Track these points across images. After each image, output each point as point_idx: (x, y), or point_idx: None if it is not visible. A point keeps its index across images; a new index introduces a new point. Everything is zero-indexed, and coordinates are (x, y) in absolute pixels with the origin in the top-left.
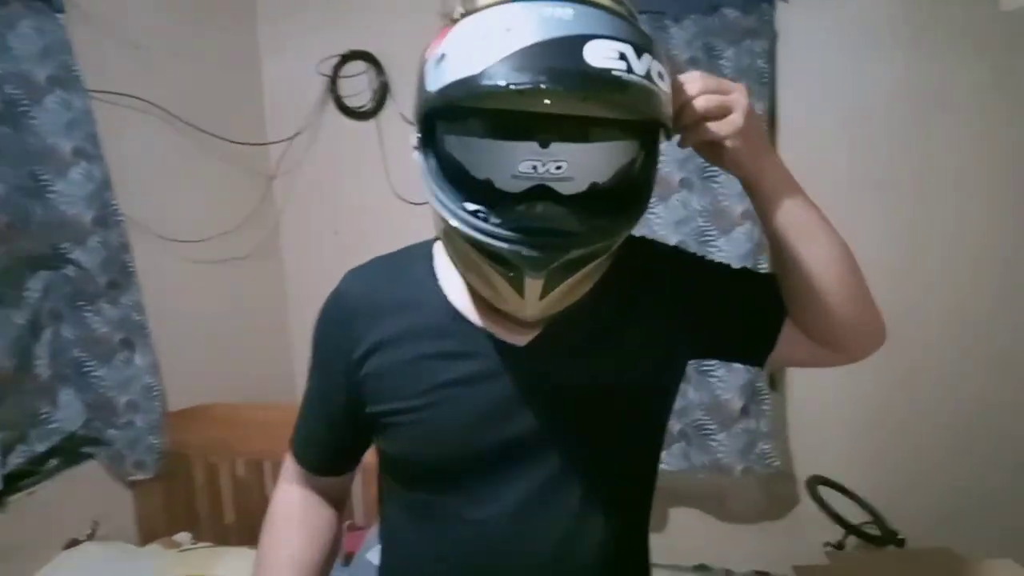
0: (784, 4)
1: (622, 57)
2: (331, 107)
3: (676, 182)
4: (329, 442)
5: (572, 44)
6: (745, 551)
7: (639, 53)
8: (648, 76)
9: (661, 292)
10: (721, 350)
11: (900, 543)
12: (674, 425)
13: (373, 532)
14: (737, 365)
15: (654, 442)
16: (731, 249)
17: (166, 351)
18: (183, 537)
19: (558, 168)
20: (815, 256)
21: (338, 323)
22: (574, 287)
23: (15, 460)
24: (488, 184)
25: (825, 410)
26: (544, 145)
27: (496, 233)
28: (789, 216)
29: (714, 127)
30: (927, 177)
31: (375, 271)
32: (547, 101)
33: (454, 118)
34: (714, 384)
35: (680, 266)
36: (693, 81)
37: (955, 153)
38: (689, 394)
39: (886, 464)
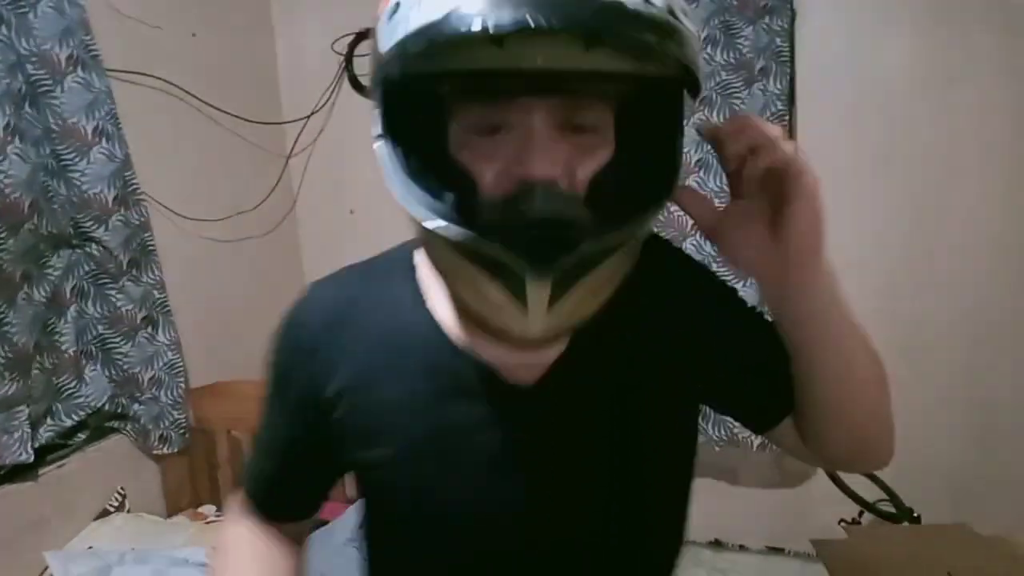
0: None
1: None
2: (346, 86)
3: (692, 163)
4: (288, 487)
5: None
6: (759, 527)
7: None
8: (671, 11)
9: (685, 323)
10: (719, 405)
11: (916, 520)
12: None
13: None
14: None
15: (684, 492)
16: None
17: (187, 329)
18: (208, 509)
19: None
20: (845, 383)
21: (303, 351)
22: (590, 295)
23: (45, 434)
24: (421, 161)
25: None
26: None
27: (485, 232)
28: (829, 341)
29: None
30: (945, 155)
31: (347, 286)
32: (538, 52)
33: (419, 87)
34: None
35: (711, 297)
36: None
37: (974, 130)
38: None
39: (900, 441)
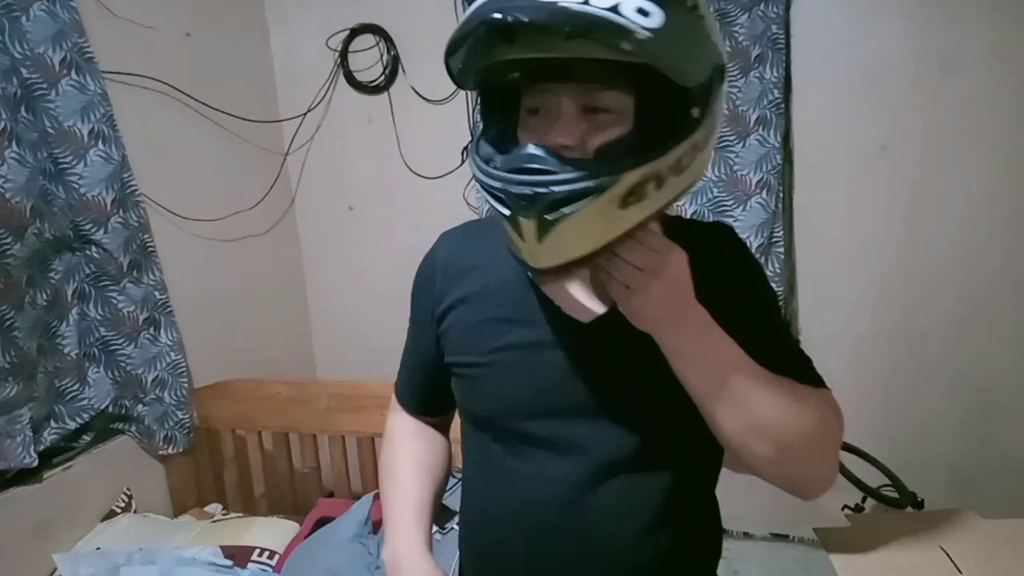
0: None
1: None
2: (342, 82)
3: None
4: (424, 385)
5: None
6: (763, 514)
7: None
8: (614, 9)
9: (714, 295)
10: None
11: (919, 505)
12: None
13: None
14: None
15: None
16: (747, 219)
17: (189, 328)
18: (214, 508)
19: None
20: (725, 426)
21: (426, 280)
22: (577, 232)
23: (49, 437)
24: (499, 132)
25: (840, 374)
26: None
27: (492, 173)
28: (693, 387)
29: (615, 289)
30: (937, 140)
31: (464, 234)
32: (536, 45)
33: (488, 79)
34: None
35: (743, 282)
36: (629, 249)
37: (965, 115)
38: None
39: (901, 428)
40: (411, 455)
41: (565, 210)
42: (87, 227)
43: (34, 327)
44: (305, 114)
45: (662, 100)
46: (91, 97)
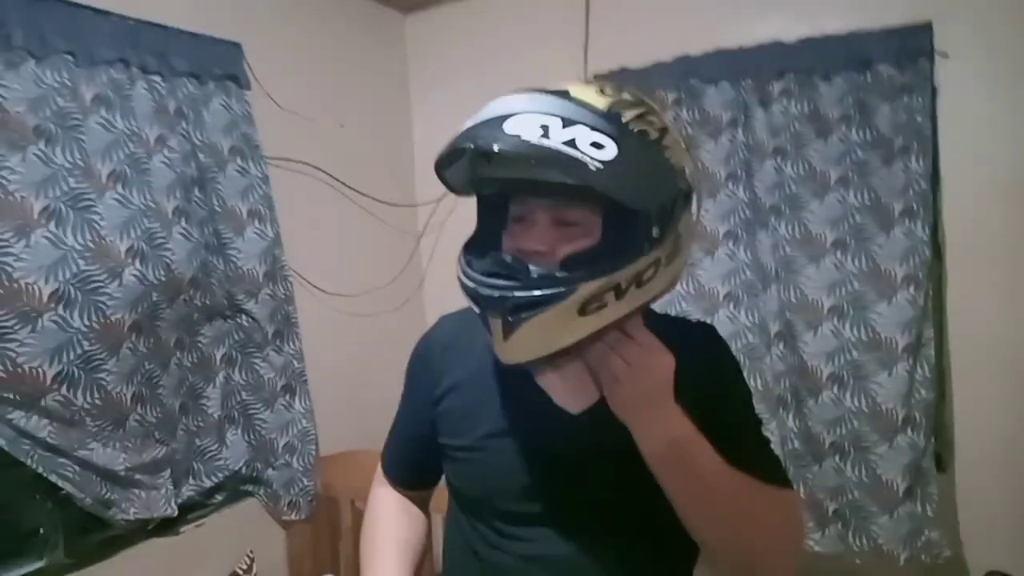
0: (944, 60)
1: (543, 127)
2: None
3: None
4: (413, 461)
5: (497, 120)
6: None
7: (567, 125)
8: (570, 143)
9: (692, 390)
10: None
11: None
12: (828, 505)
13: None
14: (900, 441)
15: None
16: (892, 315)
17: (319, 397)
18: None
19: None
20: (689, 519)
21: (426, 361)
22: (541, 334)
23: (187, 492)
24: (488, 236)
25: (996, 494)
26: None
27: (468, 274)
28: (660, 478)
29: (604, 379)
30: None
31: (462, 320)
32: (485, 167)
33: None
34: (874, 461)
35: (719, 381)
36: (620, 343)
37: None
38: (847, 471)
39: None
40: (393, 532)
41: (524, 315)
42: (240, 297)
43: (178, 386)
44: (440, 199)
45: (626, 218)
46: (252, 180)
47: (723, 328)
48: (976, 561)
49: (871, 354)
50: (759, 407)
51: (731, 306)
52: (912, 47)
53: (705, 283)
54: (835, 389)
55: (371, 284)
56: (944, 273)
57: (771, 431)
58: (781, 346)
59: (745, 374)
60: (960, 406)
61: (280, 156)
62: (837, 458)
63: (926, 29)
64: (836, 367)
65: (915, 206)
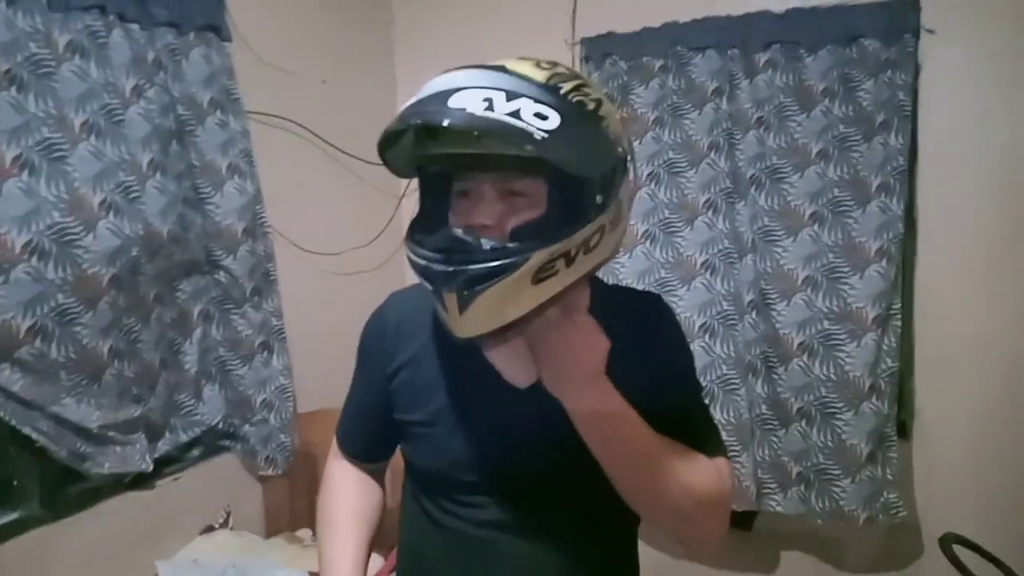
0: (929, 35)
1: (487, 100)
2: None
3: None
4: (366, 434)
5: (440, 95)
6: None
7: (510, 98)
8: (515, 115)
9: (636, 359)
10: None
11: None
12: (792, 468)
13: None
14: (866, 408)
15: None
16: (864, 288)
17: (298, 355)
18: (305, 533)
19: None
20: (619, 485)
21: (379, 337)
22: (495, 306)
23: (163, 447)
24: (433, 214)
25: (956, 461)
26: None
27: (419, 252)
28: (592, 447)
29: (539, 356)
30: None
31: (413, 296)
32: (431, 144)
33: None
34: (839, 427)
35: (662, 345)
36: (560, 323)
37: None
38: (812, 436)
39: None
40: (350, 504)
41: (479, 287)
42: (218, 253)
43: (158, 342)
44: None
45: (571, 187)
46: (232, 134)
47: (698, 296)
48: (934, 524)
49: (841, 324)
50: (729, 373)
51: (708, 274)
52: (899, 22)
53: (683, 251)
54: (805, 357)
55: (351, 243)
56: (915, 247)
57: (740, 395)
58: (754, 314)
59: (717, 341)
60: (923, 375)
61: (261, 111)
62: (803, 423)
63: (914, 4)
64: (807, 336)
65: (892, 181)
